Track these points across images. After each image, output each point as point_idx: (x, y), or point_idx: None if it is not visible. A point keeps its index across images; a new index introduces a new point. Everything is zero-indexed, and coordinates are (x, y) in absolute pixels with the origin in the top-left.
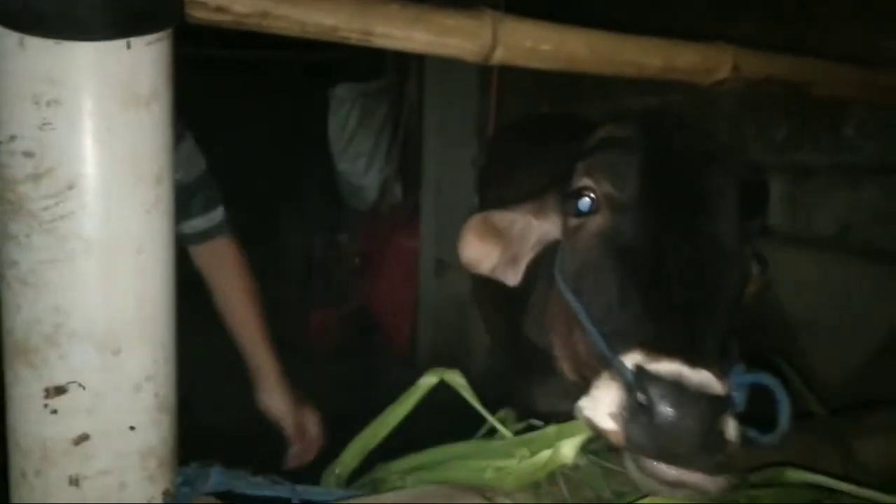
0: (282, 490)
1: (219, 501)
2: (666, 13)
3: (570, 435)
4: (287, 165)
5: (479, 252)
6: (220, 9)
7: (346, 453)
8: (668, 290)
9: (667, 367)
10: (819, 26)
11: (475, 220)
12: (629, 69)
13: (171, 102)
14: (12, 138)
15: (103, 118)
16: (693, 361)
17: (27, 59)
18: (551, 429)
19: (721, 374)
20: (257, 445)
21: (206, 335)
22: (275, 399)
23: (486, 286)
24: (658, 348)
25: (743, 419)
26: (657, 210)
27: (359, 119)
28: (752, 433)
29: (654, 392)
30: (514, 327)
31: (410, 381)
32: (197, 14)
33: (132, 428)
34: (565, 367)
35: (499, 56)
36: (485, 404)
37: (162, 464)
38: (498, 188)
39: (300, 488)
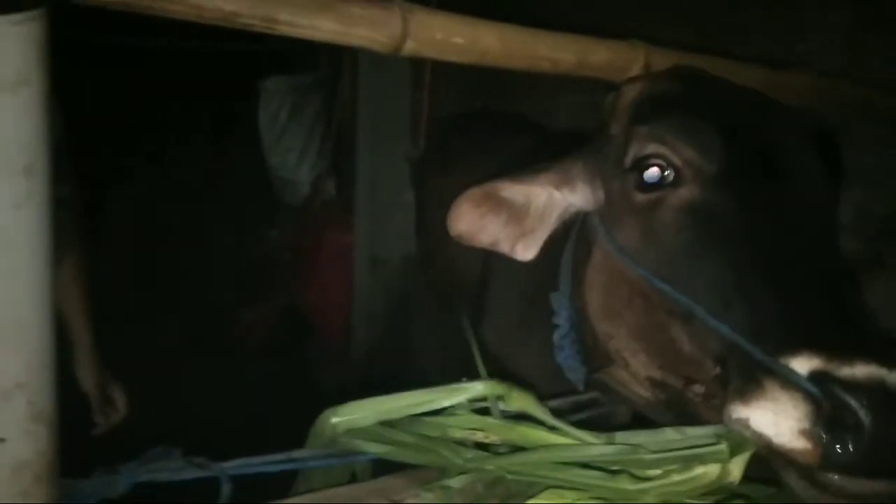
0: (208, 471)
1: None
2: (585, 12)
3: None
4: (216, 159)
5: (474, 225)
6: None
7: (355, 407)
8: (806, 275)
9: (863, 370)
10: (734, 28)
11: (474, 192)
12: (543, 64)
13: (46, 88)
14: None
15: None
16: (889, 362)
17: None
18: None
19: None
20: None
21: None
22: (86, 370)
23: (432, 286)
24: (842, 350)
25: None
26: (757, 181)
27: (290, 113)
28: None
29: (857, 403)
30: (461, 330)
31: (344, 378)
32: None
33: (1, 440)
34: (638, 363)
35: (409, 48)
36: None
37: (38, 478)
38: (443, 179)
39: (228, 465)
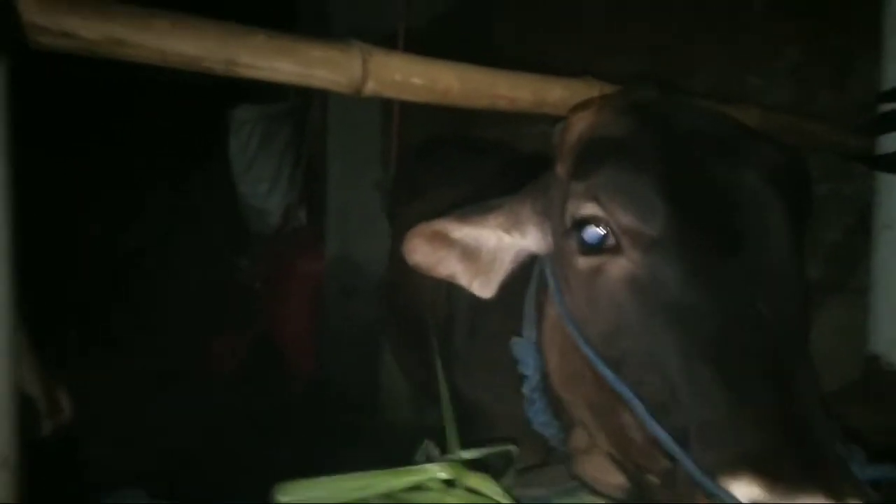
0: None
1: None
2: (546, 50)
3: None
4: (187, 187)
5: (431, 257)
6: (66, 34)
7: (305, 485)
8: (753, 367)
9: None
10: (688, 62)
11: (423, 229)
12: (502, 103)
13: (8, 129)
14: None
15: None
16: (836, 493)
17: None
18: None
19: (864, 494)
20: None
21: None
22: (30, 375)
23: (396, 323)
24: (781, 475)
25: None
26: (703, 246)
27: (260, 141)
28: None
29: None
30: (429, 370)
31: (315, 407)
32: (41, 39)
33: None
34: (600, 439)
35: (370, 88)
36: (407, 432)
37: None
38: (413, 206)
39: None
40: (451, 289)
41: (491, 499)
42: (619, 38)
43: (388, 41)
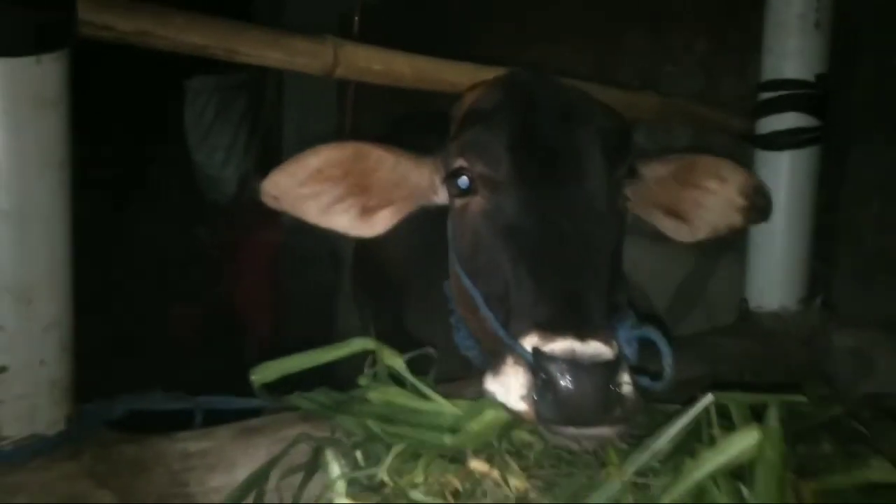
0: (184, 403)
1: (116, 432)
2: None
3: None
4: (143, 156)
5: (306, 187)
6: (106, 27)
7: (266, 367)
8: (553, 264)
9: (560, 345)
10: (618, 53)
11: (344, 147)
12: (445, 86)
13: (71, 104)
14: None
15: (17, 116)
16: (583, 335)
17: None
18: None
19: (609, 338)
20: None
21: None
22: None
23: (364, 275)
24: (551, 328)
25: (635, 370)
26: (530, 183)
27: (216, 111)
28: (646, 382)
29: (553, 371)
30: (394, 320)
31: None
32: (86, 31)
33: (42, 362)
34: (480, 340)
35: (339, 73)
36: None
37: (65, 394)
38: None
39: (201, 399)
40: (406, 250)
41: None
42: (557, 28)
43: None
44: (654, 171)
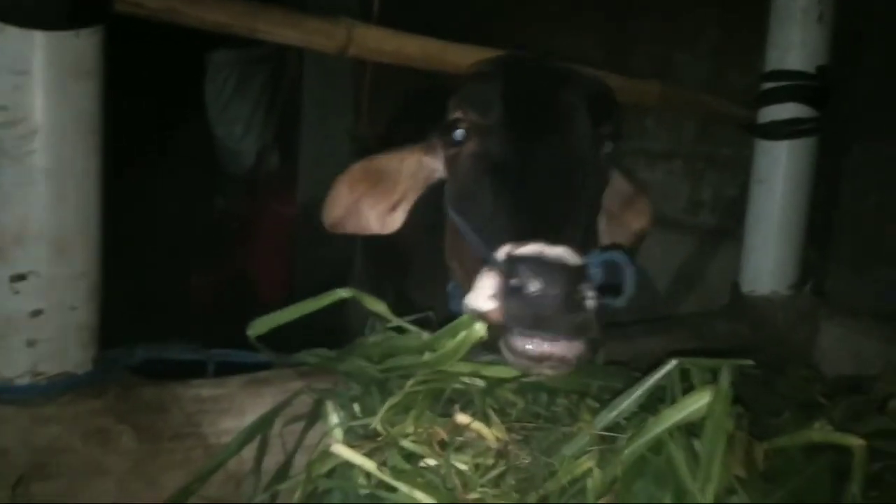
0: (198, 355)
1: (136, 376)
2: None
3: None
4: (164, 128)
5: (348, 208)
6: (137, 4)
7: (261, 322)
8: (531, 192)
9: (529, 248)
10: (627, 40)
11: (353, 170)
12: (450, 67)
13: (105, 75)
14: None
15: (59, 85)
16: (552, 241)
17: (5, 40)
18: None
19: (577, 249)
20: None
21: None
22: None
23: (373, 254)
24: (523, 237)
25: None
26: (516, 127)
27: (236, 85)
28: (607, 300)
29: (521, 269)
30: (397, 292)
31: (284, 344)
32: (120, 7)
33: (73, 307)
34: (464, 287)
35: (352, 52)
36: None
37: (93, 337)
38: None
39: (214, 352)
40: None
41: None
42: (568, 11)
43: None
44: (618, 182)
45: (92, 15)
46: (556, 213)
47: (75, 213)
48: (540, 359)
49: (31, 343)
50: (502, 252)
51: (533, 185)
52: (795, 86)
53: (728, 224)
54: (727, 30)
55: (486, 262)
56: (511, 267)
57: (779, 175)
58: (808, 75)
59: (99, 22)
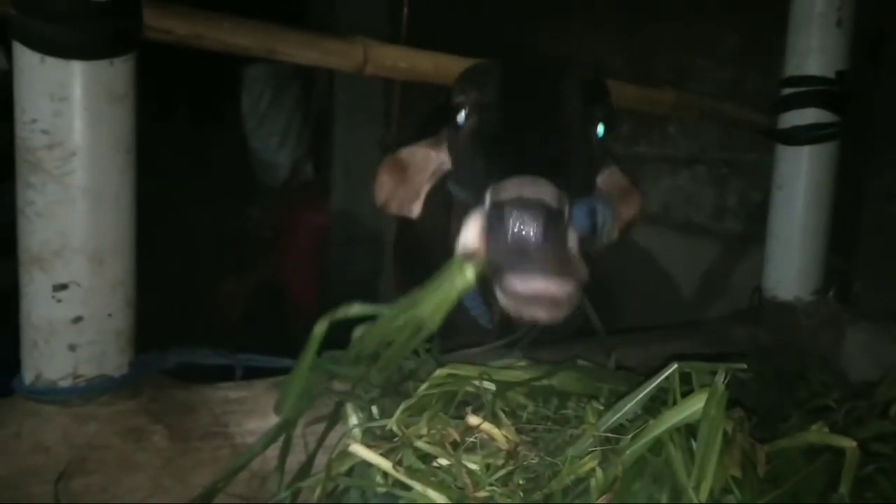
0: (227, 360)
1: (168, 379)
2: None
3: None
4: (202, 141)
5: (388, 191)
6: (166, 31)
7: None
8: (520, 148)
9: (510, 185)
10: (650, 44)
11: (387, 161)
12: None
13: (137, 98)
14: (34, 121)
15: (95, 109)
16: (533, 179)
17: (46, 70)
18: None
19: (560, 192)
20: None
21: None
22: None
23: (402, 259)
24: (504, 181)
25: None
26: (512, 102)
27: (271, 98)
28: (587, 239)
29: (504, 207)
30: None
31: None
32: (150, 35)
33: (110, 315)
34: None
35: (369, 70)
36: None
37: (129, 342)
38: None
39: (241, 357)
40: (436, 225)
41: None
42: (590, 18)
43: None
44: (615, 174)
45: (124, 44)
46: (545, 165)
47: (111, 227)
48: (532, 299)
49: (72, 348)
50: (487, 196)
51: (522, 144)
52: (815, 91)
53: (753, 229)
54: (747, 35)
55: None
56: (493, 205)
57: (800, 180)
58: (827, 80)
59: (131, 50)
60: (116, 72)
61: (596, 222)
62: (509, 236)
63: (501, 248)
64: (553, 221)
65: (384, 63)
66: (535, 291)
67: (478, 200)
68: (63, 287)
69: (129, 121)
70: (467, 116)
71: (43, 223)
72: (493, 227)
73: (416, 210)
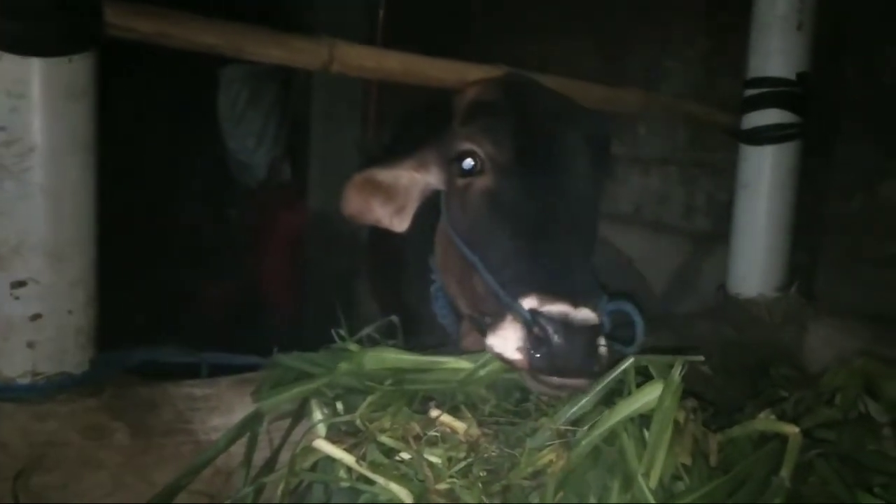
0: (191, 357)
1: (131, 376)
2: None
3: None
4: (177, 142)
5: (359, 206)
6: (130, 29)
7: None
8: (548, 239)
9: (556, 308)
10: (619, 42)
11: (357, 178)
12: (432, 82)
13: (97, 95)
14: None
15: (53, 106)
16: (575, 302)
17: (3, 67)
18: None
19: (595, 307)
20: None
21: None
22: None
23: (377, 264)
24: (548, 293)
25: (609, 336)
26: (532, 168)
27: (248, 99)
28: (619, 346)
29: (549, 329)
30: (396, 296)
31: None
32: (113, 32)
33: (70, 312)
34: (461, 304)
35: (335, 69)
36: None
37: (89, 340)
38: None
39: (207, 355)
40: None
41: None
42: (564, 21)
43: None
44: None
45: (83, 41)
46: (575, 264)
47: (71, 224)
48: (560, 387)
49: (30, 345)
50: (527, 303)
51: (550, 233)
52: (777, 92)
53: (721, 228)
54: (715, 38)
55: (504, 305)
56: (539, 322)
57: (763, 179)
58: (789, 81)
59: (90, 47)
60: (75, 69)
61: (635, 334)
62: (551, 359)
63: (542, 362)
64: (591, 346)
65: (350, 62)
66: (566, 385)
67: (506, 295)
68: (21, 284)
69: (89, 118)
70: (475, 168)
71: (2, 221)
72: (536, 343)
73: (402, 226)
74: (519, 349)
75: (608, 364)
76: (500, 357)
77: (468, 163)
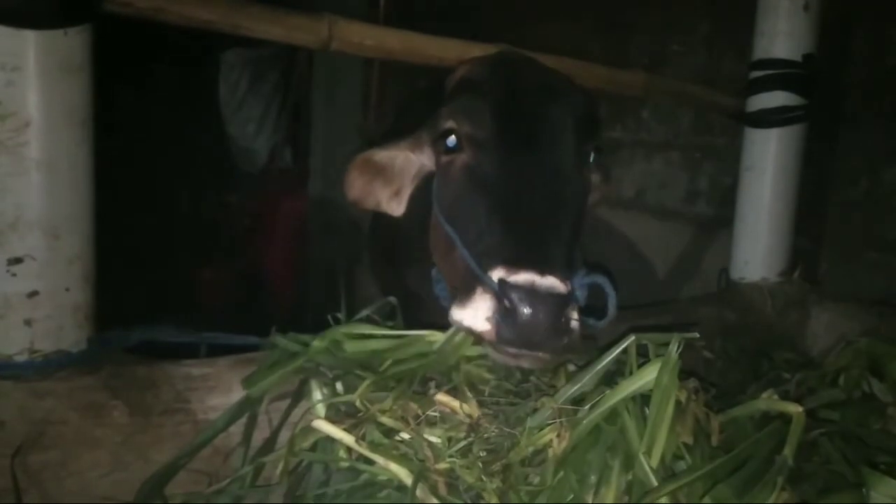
0: (191, 337)
1: (130, 355)
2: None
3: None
4: (179, 127)
5: (362, 188)
6: (126, 4)
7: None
8: (522, 213)
9: (522, 277)
10: (622, 27)
11: (358, 161)
12: (433, 60)
13: (93, 70)
14: None
15: (48, 80)
16: (542, 271)
17: None
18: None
19: (564, 278)
20: None
21: None
22: None
23: (378, 245)
24: (515, 263)
25: (583, 311)
26: (509, 144)
27: (249, 84)
28: (591, 320)
29: (515, 297)
30: (399, 279)
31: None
32: (109, 7)
33: (67, 289)
34: (447, 281)
35: (334, 46)
36: None
37: (87, 317)
38: None
39: (206, 334)
40: (409, 215)
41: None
42: (568, 4)
43: None
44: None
45: (80, 14)
46: (547, 237)
47: (67, 200)
48: (519, 357)
49: (28, 322)
50: (495, 275)
51: (524, 207)
52: (782, 74)
53: (725, 213)
54: (719, 20)
55: (477, 279)
56: (504, 292)
57: (768, 163)
58: (794, 63)
59: (87, 20)
60: (71, 42)
61: (607, 305)
62: (518, 330)
63: (508, 338)
64: (559, 315)
65: (350, 39)
66: (523, 355)
67: (479, 267)
68: (18, 261)
69: (85, 92)
70: (457, 146)
71: None
72: (502, 317)
73: (399, 209)
74: (487, 319)
75: (580, 337)
76: (467, 329)
77: (451, 140)
